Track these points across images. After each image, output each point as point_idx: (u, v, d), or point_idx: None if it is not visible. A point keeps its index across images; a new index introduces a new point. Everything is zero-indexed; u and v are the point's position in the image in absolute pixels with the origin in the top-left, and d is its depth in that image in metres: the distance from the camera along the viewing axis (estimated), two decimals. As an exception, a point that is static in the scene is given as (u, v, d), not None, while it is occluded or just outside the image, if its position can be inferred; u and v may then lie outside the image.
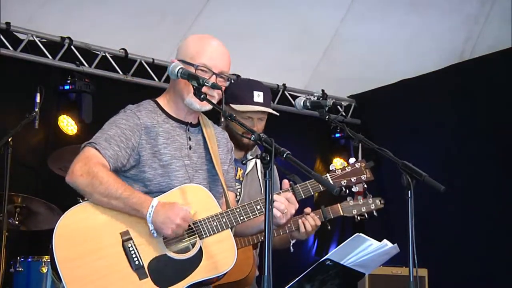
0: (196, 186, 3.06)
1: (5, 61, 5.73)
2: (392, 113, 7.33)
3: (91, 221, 2.86)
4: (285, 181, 3.16)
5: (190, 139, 3.14)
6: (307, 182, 3.27)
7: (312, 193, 3.26)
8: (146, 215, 2.84)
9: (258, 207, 3.07)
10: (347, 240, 3.21)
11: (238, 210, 3.05)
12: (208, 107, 3.04)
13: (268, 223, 2.50)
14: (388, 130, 7.17)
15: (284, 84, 7.25)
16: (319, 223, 3.76)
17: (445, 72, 6.85)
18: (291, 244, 3.85)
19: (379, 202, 3.85)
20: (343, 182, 3.33)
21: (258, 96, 3.86)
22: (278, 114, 3.94)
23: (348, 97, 7.79)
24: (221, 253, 2.98)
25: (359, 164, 3.39)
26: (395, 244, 3.24)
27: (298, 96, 4.01)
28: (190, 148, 3.12)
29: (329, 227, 3.83)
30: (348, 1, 6.62)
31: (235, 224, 3.04)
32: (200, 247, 2.96)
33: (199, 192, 3.04)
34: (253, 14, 6.52)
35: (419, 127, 6.96)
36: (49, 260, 4.78)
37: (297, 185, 3.17)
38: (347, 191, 3.36)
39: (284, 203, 3.07)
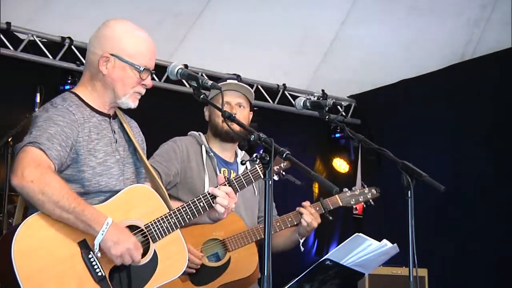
0: (141, 186, 3.01)
1: (5, 61, 5.73)
2: (392, 113, 7.33)
3: (48, 232, 2.70)
4: (220, 176, 3.19)
5: (114, 132, 3.03)
6: (240, 174, 3.33)
7: (246, 186, 3.32)
8: (99, 232, 2.69)
9: (202, 204, 3.08)
10: (346, 240, 3.22)
11: (184, 209, 3.03)
12: (137, 103, 3.01)
13: (267, 223, 2.50)
14: (388, 130, 7.17)
15: (284, 84, 7.25)
16: (319, 219, 3.81)
17: (445, 72, 6.85)
18: (301, 243, 3.88)
19: (374, 191, 3.99)
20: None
21: (231, 81, 3.92)
22: (251, 89, 3.95)
23: (348, 97, 7.79)
24: (175, 255, 2.96)
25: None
26: (395, 244, 3.25)
27: (298, 96, 4.02)
28: (116, 142, 3.02)
29: (330, 218, 3.87)
30: (348, 4, 6.62)
31: (183, 224, 3.00)
32: (155, 250, 2.91)
33: (145, 193, 2.99)
34: (254, 15, 6.52)
35: (419, 127, 6.96)
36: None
37: (232, 178, 3.24)
38: (278, 179, 3.45)
39: (226, 198, 3.09)
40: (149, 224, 2.92)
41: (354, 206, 4.02)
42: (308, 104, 3.28)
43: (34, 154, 2.71)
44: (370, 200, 3.96)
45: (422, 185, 2.94)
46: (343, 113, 7.57)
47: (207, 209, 3.10)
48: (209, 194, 3.11)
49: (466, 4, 6.41)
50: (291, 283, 3.23)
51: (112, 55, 2.94)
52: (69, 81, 6.02)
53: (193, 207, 3.06)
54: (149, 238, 2.90)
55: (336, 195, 3.89)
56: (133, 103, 3.00)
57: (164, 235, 2.93)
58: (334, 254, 3.24)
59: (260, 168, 3.36)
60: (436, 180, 2.94)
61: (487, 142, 6.41)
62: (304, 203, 3.85)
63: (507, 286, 6.05)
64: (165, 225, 2.94)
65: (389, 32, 6.75)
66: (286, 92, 7.30)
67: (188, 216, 3.02)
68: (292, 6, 6.52)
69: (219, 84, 3.83)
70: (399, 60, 7.00)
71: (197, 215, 3.07)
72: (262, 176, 3.36)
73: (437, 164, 6.18)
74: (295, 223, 3.81)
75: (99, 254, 2.73)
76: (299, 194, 6.92)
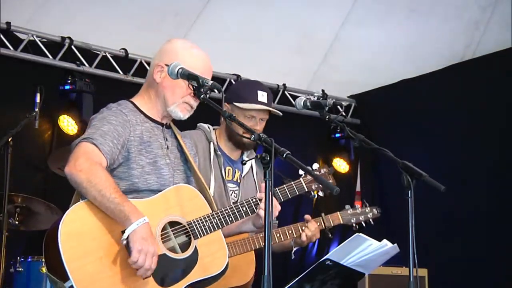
0: (186, 186, 3.13)
1: (5, 61, 5.73)
2: (392, 113, 7.33)
3: (94, 218, 2.86)
4: (263, 185, 3.21)
5: (166, 139, 3.19)
6: (284, 186, 3.44)
7: (290, 197, 3.44)
8: (134, 222, 2.80)
9: (244, 209, 3.19)
10: (347, 240, 3.22)
11: (227, 211, 3.13)
12: (188, 115, 3.14)
13: (267, 223, 2.50)
14: (388, 130, 7.17)
15: (284, 84, 7.25)
16: (318, 235, 3.82)
17: (445, 72, 6.85)
18: (293, 251, 3.88)
19: (375, 211, 4.00)
20: (314, 187, 3.52)
21: (262, 96, 3.87)
22: (281, 114, 3.96)
23: (348, 97, 7.79)
24: (214, 253, 3.06)
25: (323, 170, 3.60)
26: (395, 244, 3.25)
27: (298, 96, 4.02)
28: (167, 148, 3.17)
29: (330, 236, 3.92)
30: (348, 5, 6.62)
31: (225, 225, 3.12)
32: (195, 246, 3.01)
33: (190, 192, 3.11)
34: (254, 15, 6.52)
35: (419, 127, 6.96)
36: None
37: (276, 188, 3.35)
38: (316, 195, 3.55)
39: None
40: (191, 221, 3.03)
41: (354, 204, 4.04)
42: (308, 104, 3.28)
43: (87, 148, 2.91)
44: (370, 220, 3.98)
45: (422, 185, 2.94)
46: (343, 113, 7.57)
47: (250, 214, 3.21)
48: (252, 200, 3.20)
49: (466, 6, 6.41)
50: (291, 283, 3.24)
51: (166, 65, 3.07)
52: (69, 81, 6.03)
53: (235, 211, 3.17)
54: (191, 234, 3.01)
55: (338, 213, 3.91)
56: (181, 113, 3.14)
57: (205, 233, 3.04)
58: (335, 254, 3.24)
59: (305, 181, 3.49)
60: (436, 180, 2.94)
61: (488, 142, 6.41)
62: (306, 217, 3.83)
63: (507, 286, 6.05)
64: (207, 224, 3.05)
65: (389, 33, 6.75)
66: (286, 92, 7.30)
67: (230, 218, 3.13)
68: (292, 6, 6.51)
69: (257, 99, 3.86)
70: (399, 61, 7.00)
71: (239, 218, 3.18)
72: (306, 189, 3.51)
73: (437, 164, 6.18)
74: (295, 236, 3.81)
75: (124, 242, 2.81)
76: (301, 200, 6.94)
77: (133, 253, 2.79)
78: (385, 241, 3.23)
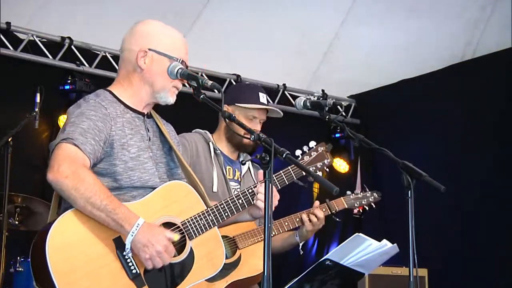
0: (179, 183, 3.00)
1: (5, 61, 5.73)
2: (392, 113, 7.33)
3: (83, 228, 2.70)
4: (260, 172, 3.17)
5: (148, 130, 3.04)
6: (281, 172, 3.35)
7: (287, 183, 3.35)
8: (129, 233, 2.68)
9: (240, 201, 3.08)
10: (346, 240, 3.22)
11: (222, 206, 3.02)
12: (175, 98, 3.04)
13: (267, 222, 2.50)
14: (388, 130, 7.17)
15: (284, 84, 7.26)
16: (323, 222, 3.85)
17: (445, 72, 6.85)
18: (300, 246, 3.91)
19: (376, 195, 4.13)
20: (312, 168, 3.42)
21: (263, 97, 3.96)
22: (282, 114, 4.01)
23: (348, 97, 7.79)
24: (211, 252, 2.95)
25: (321, 148, 3.49)
26: (395, 244, 3.25)
27: (298, 96, 4.04)
28: (149, 140, 3.03)
29: (337, 219, 3.98)
30: (348, 5, 6.62)
31: (220, 221, 3.00)
32: (191, 248, 2.90)
33: (182, 189, 2.98)
34: (254, 15, 6.52)
35: (419, 127, 6.96)
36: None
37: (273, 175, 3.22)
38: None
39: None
40: (186, 221, 2.91)
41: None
42: (308, 104, 3.28)
43: (69, 150, 2.72)
44: (372, 204, 4.08)
45: (422, 185, 2.94)
46: (343, 113, 7.57)
47: (246, 206, 3.10)
48: (248, 190, 3.11)
49: (466, 6, 6.41)
50: (291, 283, 3.24)
51: (149, 49, 2.96)
52: (69, 81, 6.02)
53: (231, 205, 3.05)
54: (186, 235, 2.89)
55: (342, 198, 4.00)
56: (171, 98, 3.02)
57: (201, 233, 2.92)
58: (334, 254, 3.24)
59: (293, 170, 3.37)
60: (436, 180, 2.94)
61: (488, 142, 6.41)
62: (315, 204, 3.92)
63: (507, 286, 6.05)
64: (202, 222, 2.93)
65: (389, 33, 6.75)
66: (286, 92, 7.30)
67: (226, 214, 3.01)
68: (292, 6, 6.51)
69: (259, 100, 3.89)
70: (399, 60, 7.00)
71: (235, 213, 3.06)
72: (295, 178, 3.39)
73: (437, 164, 6.18)
74: (302, 223, 3.85)
75: (130, 254, 2.73)
76: (300, 193, 6.93)
77: (144, 264, 2.75)
78: (384, 241, 3.24)
